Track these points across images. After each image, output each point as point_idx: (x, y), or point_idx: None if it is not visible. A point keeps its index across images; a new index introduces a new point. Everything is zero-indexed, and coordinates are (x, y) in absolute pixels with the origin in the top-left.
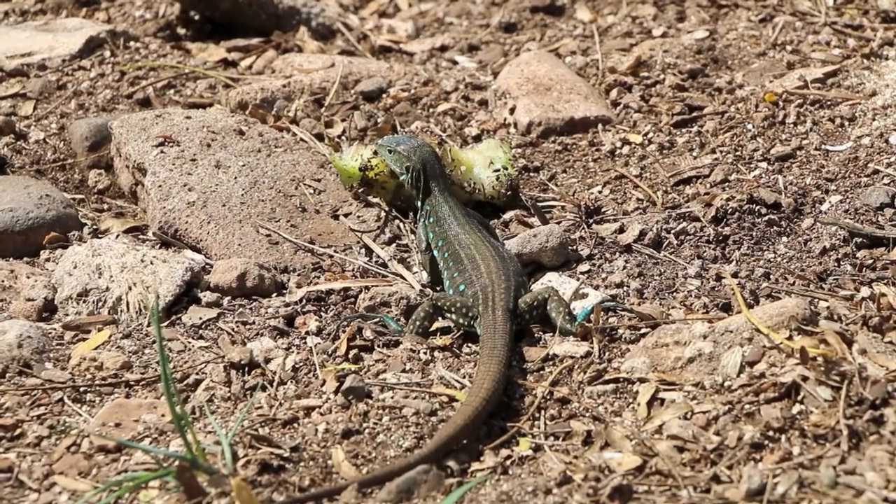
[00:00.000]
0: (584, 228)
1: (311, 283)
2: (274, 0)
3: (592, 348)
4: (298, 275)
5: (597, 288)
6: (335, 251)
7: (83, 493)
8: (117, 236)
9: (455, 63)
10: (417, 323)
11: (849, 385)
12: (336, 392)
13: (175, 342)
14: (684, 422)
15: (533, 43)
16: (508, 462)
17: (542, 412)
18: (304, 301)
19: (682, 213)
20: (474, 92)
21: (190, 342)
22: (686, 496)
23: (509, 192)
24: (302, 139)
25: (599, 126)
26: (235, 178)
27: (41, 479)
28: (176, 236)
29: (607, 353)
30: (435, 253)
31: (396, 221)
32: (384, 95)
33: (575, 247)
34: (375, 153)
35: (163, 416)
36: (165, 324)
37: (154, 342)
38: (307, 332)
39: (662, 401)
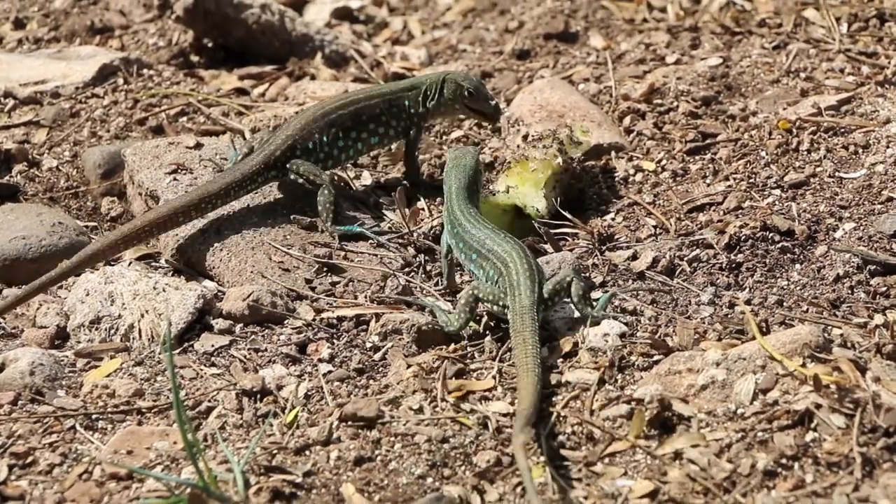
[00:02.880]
0: (596, 255)
1: (324, 310)
2: (287, 27)
3: (605, 375)
4: (311, 302)
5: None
6: (349, 278)
7: None
8: (130, 264)
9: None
10: (465, 315)
11: (862, 413)
12: (348, 419)
13: (187, 369)
14: (697, 449)
15: (546, 70)
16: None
17: (555, 438)
18: (317, 328)
19: (696, 241)
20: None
21: (202, 369)
22: None
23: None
24: None
25: (613, 153)
26: (248, 205)
27: None
28: (188, 263)
29: (620, 380)
30: (460, 256)
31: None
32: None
33: (588, 274)
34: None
35: (175, 443)
36: (177, 351)
37: (166, 369)
38: (319, 360)
39: (676, 427)
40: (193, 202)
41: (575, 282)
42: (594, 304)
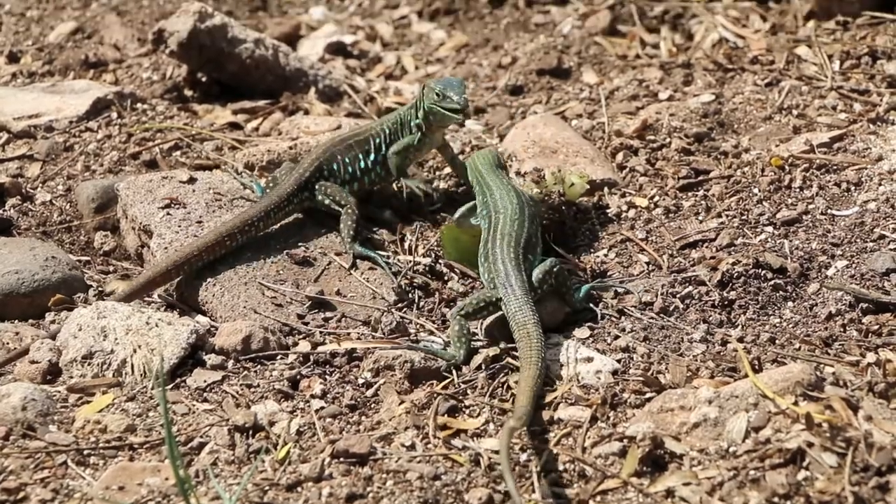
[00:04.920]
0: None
1: (317, 345)
2: (281, 62)
3: (597, 412)
4: (303, 337)
5: (603, 352)
6: (341, 313)
7: None
8: None
9: (461, 125)
10: (463, 343)
11: (854, 451)
12: (340, 455)
13: (179, 405)
14: (689, 487)
15: (539, 106)
16: None
17: (547, 475)
18: (309, 364)
19: (688, 277)
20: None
21: (194, 405)
22: None
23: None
24: None
25: (605, 189)
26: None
27: None
28: (181, 298)
29: (612, 418)
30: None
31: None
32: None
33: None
34: None
35: (167, 479)
36: (170, 386)
37: (158, 405)
38: (312, 395)
39: (668, 465)
40: (237, 226)
41: (559, 268)
42: (577, 294)
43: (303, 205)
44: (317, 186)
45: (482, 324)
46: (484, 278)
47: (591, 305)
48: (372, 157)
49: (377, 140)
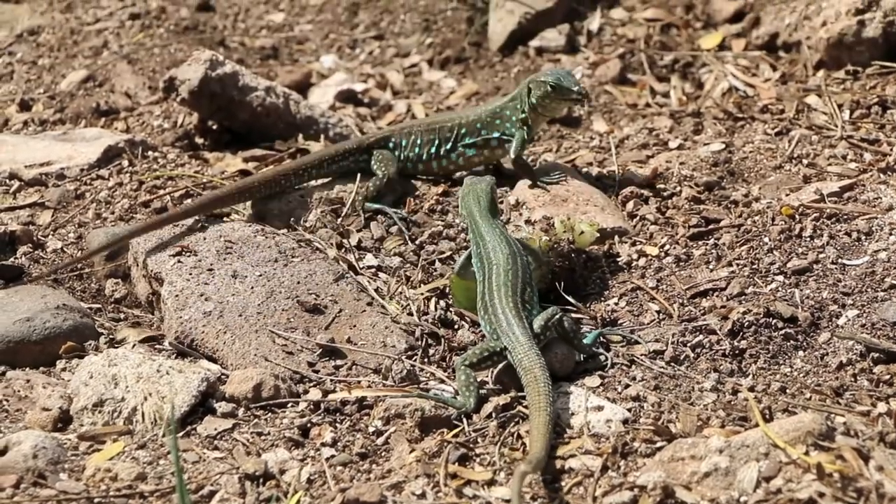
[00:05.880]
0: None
1: (327, 393)
2: (292, 110)
3: (608, 461)
4: (314, 385)
5: (613, 401)
6: (352, 361)
7: None
8: (133, 346)
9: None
10: (472, 391)
11: (866, 502)
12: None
13: (190, 453)
14: None
15: (549, 154)
16: None
17: None
18: (320, 412)
19: (699, 326)
20: None
21: (205, 453)
22: None
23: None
24: (318, 249)
25: (616, 237)
26: (252, 287)
27: None
28: (192, 346)
29: (623, 467)
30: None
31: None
32: (402, 206)
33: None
34: None
35: None
36: (181, 434)
37: (169, 453)
38: (322, 444)
39: None
40: (292, 168)
41: (564, 317)
42: (584, 339)
43: (359, 165)
44: (375, 152)
45: (493, 371)
46: (486, 330)
47: (602, 351)
48: (448, 146)
49: (462, 131)
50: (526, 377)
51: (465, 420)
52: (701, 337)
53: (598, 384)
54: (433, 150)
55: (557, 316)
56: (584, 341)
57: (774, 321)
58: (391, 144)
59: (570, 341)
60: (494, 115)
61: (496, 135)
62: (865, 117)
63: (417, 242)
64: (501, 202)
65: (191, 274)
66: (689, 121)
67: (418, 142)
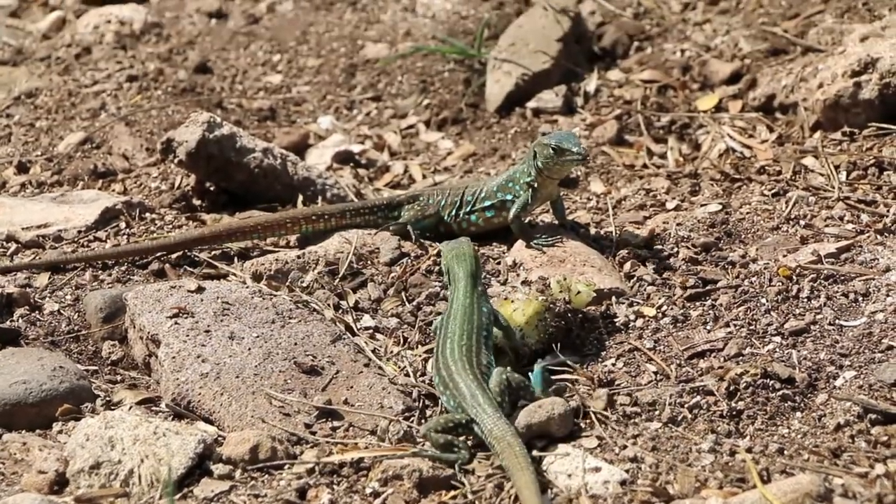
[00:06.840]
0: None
1: (325, 455)
2: (289, 171)
3: None
4: (311, 446)
5: (611, 462)
6: (349, 422)
7: None
8: (130, 408)
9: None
10: (458, 445)
11: None
12: None
13: None
14: None
15: (546, 215)
16: None
17: None
18: (317, 473)
19: (696, 387)
20: (488, 263)
21: None
22: None
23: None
24: (315, 310)
25: (613, 298)
26: (249, 349)
27: None
28: (189, 408)
29: None
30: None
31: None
32: (397, 266)
33: (589, 419)
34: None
35: None
36: (178, 497)
37: None
38: None
39: None
40: (317, 213)
41: (507, 374)
42: (533, 387)
43: (387, 220)
44: (406, 206)
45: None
46: (449, 405)
47: (554, 379)
48: (462, 209)
49: (482, 194)
50: (499, 445)
51: (464, 476)
52: (698, 398)
53: (595, 445)
54: (454, 211)
55: (506, 374)
56: (536, 387)
57: (772, 382)
58: (420, 200)
59: (523, 396)
60: (509, 178)
61: (509, 197)
62: (862, 178)
63: (415, 303)
64: (499, 263)
65: (188, 335)
66: (687, 182)
67: (443, 203)
